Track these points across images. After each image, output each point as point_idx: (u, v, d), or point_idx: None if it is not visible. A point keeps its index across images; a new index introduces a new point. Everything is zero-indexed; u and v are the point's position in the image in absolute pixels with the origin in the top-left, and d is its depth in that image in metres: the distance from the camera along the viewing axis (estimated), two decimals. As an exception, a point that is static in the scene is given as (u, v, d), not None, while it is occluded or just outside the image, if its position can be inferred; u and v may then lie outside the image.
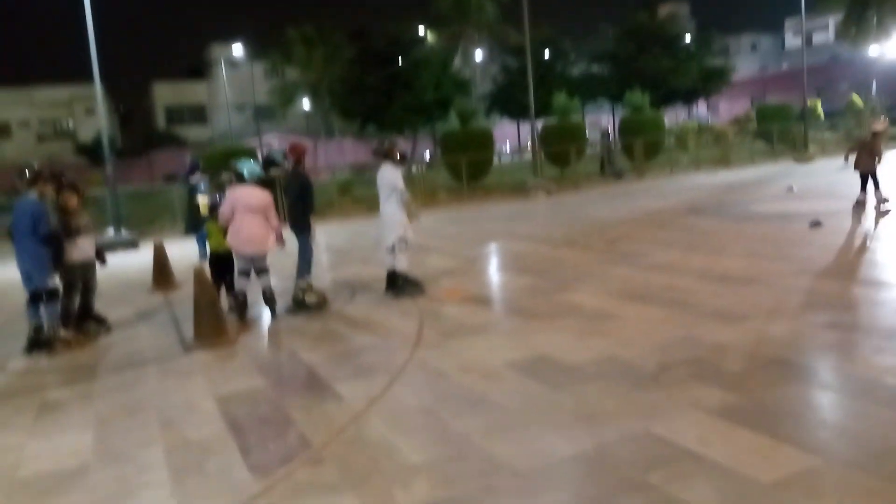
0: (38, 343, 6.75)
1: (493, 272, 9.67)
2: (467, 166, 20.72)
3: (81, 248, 7.06)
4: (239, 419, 4.61)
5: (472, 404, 4.51)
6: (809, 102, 27.93)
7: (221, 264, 7.68)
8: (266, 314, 7.52)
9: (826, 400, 4.22)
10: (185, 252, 11.94)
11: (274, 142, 45.50)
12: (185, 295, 6.88)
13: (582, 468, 3.54)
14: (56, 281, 6.82)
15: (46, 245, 6.61)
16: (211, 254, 7.88)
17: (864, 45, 39.48)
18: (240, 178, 7.25)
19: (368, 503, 3.36)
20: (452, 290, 8.12)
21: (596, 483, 3.37)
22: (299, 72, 42.48)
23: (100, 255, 7.43)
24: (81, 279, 7.15)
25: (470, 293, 7.93)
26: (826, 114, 33.94)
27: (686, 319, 5.99)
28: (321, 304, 7.71)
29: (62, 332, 6.87)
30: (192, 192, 15.41)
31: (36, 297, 6.69)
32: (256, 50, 49.23)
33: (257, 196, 7.20)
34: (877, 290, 6.44)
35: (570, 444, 3.78)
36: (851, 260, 7.79)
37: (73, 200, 7.07)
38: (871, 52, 39.63)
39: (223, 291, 7.67)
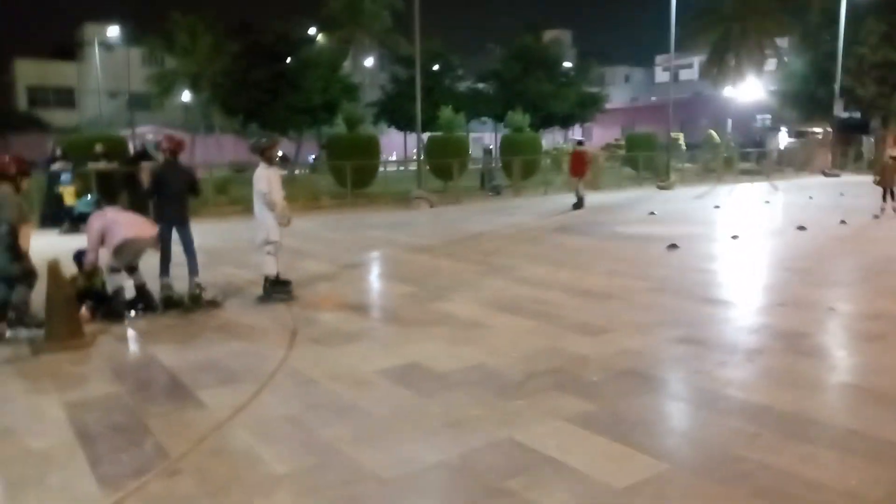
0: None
1: (371, 279, 9.65)
2: (352, 172, 20.52)
3: None
4: (89, 428, 4.31)
5: (341, 412, 4.47)
6: (672, 134, 29.94)
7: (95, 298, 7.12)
8: (129, 315, 7.08)
9: (675, 409, 4.54)
10: (40, 245, 11.01)
11: (149, 134, 42.97)
12: (38, 291, 6.34)
13: (446, 475, 3.60)
14: None
15: None
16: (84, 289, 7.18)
17: (723, 85, 43.19)
18: (84, 217, 7.45)
19: (227, 514, 3.25)
20: (328, 296, 8.02)
21: (459, 490, 3.45)
22: (180, 61, 40.47)
23: None
24: None
25: (346, 300, 7.86)
26: (688, 146, 36.67)
27: (551, 331, 6.27)
28: (216, 303, 7.53)
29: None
30: (53, 181, 14.17)
31: None
32: (135, 34, 46.40)
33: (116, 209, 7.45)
34: (724, 309, 7.02)
35: (435, 452, 3.84)
36: (702, 280, 8.44)
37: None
38: (728, 93, 43.36)
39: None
